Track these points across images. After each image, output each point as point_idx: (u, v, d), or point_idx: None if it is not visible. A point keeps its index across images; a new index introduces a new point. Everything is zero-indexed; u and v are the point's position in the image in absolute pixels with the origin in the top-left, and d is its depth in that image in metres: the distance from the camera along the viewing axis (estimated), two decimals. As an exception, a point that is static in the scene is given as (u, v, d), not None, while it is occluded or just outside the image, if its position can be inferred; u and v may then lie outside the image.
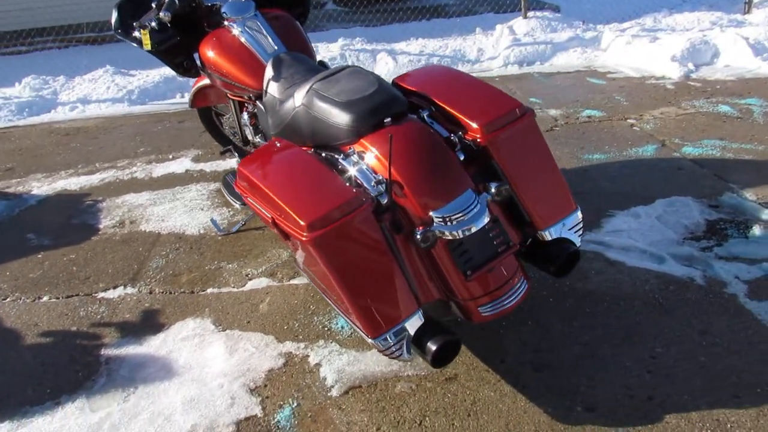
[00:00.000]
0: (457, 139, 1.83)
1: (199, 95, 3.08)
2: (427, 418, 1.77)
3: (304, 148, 1.97)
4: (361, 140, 1.83)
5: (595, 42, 5.72)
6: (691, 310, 2.10)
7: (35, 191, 3.76)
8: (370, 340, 1.63)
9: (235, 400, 1.90)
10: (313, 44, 2.69)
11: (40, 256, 2.93)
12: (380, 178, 1.71)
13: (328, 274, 1.60)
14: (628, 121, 3.88)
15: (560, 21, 6.28)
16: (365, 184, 1.71)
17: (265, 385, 1.95)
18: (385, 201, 1.69)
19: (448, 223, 1.66)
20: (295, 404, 1.87)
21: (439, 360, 1.63)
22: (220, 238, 2.87)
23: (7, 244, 3.08)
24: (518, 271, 1.79)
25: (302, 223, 1.59)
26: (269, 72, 2.37)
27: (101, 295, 2.56)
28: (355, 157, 1.81)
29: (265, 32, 2.52)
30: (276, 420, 1.82)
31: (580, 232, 1.91)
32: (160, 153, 4.19)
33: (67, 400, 1.99)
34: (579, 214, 1.90)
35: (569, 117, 4.05)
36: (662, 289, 2.21)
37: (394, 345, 1.64)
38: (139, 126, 4.91)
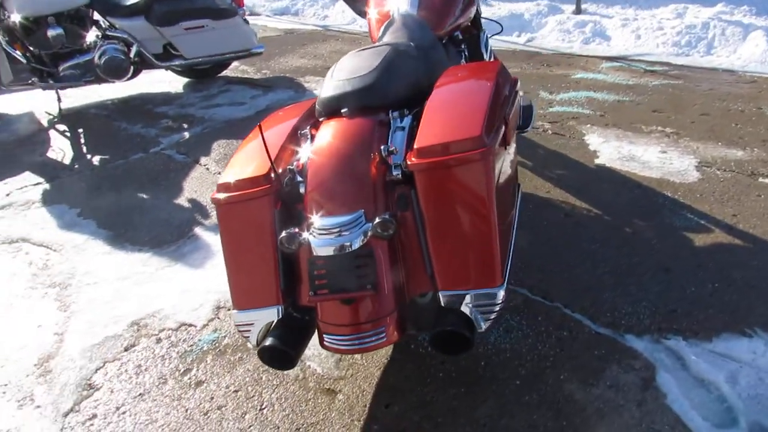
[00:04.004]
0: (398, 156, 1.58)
1: None
2: (267, 409, 1.76)
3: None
4: (321, 122, 1.76)
5: None
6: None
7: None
8: (231, 310, 1.69)
9: (198, 309, 2.20)
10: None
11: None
12: (296, 167, 1.65)
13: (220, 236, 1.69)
14: None
15: None
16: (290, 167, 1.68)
17: (229, 310, 2.19)
18: (302, 191, 1.64)
19: (315, 236, 1.52)
20: (223, 336, 2.06)
21: (263, 357, 1.58)
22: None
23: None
24: (382, 320, 1.52)
25: (218, 182, 1.70)
26: (381, 32, 2.33)
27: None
28: (308, 140, 1.76)
29: (412, -8, 2.42)
30: (199, 338, 2.06)
31: (492, 315, 1.47)
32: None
33: (144, 251, 2.61)
34: (500, 294, 1.46)
35: None
36: (658, 455, 1.52)
37: (244, 325, 1.66)
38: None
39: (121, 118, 4.28)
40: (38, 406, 1.83)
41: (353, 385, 1.80)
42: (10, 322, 2.23)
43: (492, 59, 2.68)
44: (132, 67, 4.48)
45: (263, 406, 1.76)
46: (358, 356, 1.90)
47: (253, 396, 1.80)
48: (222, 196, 1.62)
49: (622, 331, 1.92)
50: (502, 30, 3.15)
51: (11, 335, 2.15)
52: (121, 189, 3.19)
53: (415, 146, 1.50)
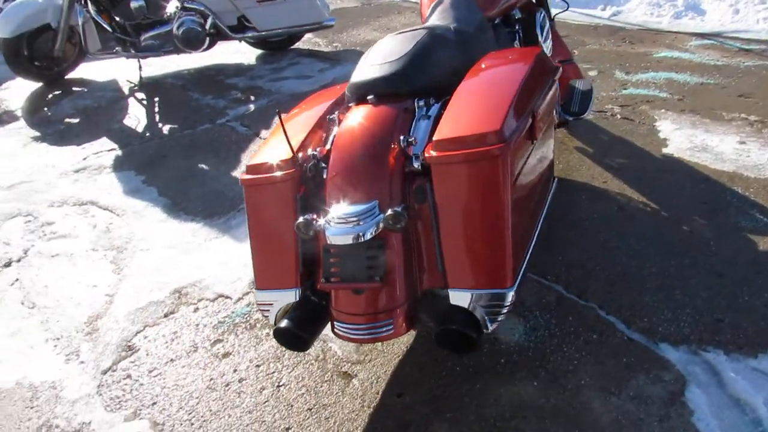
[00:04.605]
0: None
1: None
2: (284, 387, 1.81)
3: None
4: (350, 108, 1.75)
5: None
6: None
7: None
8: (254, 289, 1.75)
9: (235, 282, 2.27)
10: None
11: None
12: (319, 153, 1.65)
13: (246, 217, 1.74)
14: None
15: None
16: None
17: (264, 284, 2.25)
18: (324, 177, 1.65)
19: (330, 225, 1.53)
20: (255, 310, 2.13)
21: (278, 338, 1.62)
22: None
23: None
24: (390, 312, 1.51)
25: (248, 163, 1.74)
26: (429, 13, 2.27)
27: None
28: (335, 125, 1.75)
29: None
30: (233, 310, 2.14)
31: (500, 318, 1.42)
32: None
33: (196, 221, 2.72)
34: (509, 296, 1.41)
35: None
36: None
37: (264, 305, 1.71)
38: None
39: (195, 88, 4.45)
40: (82, 362, 1.98)
41: (369, 371, 1.82)
42: (71, 280, 2.40)
43: (547, 41, 2.54)
44: (208, 39, 4.62)
45: (281, 383, 1.81)
46: (378, 342, 1.90)
47: (273, 372, 1.86)
48: (249, 177, 1.66)
49: (657, 339, 1.81)
50: (567, 8, 2.97)
51: (70, 293, 2.32)
52: (185, 158, 3.33)
53: (434, 138, 1.47)
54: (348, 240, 1.45)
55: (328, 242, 1.49)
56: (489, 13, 2.24)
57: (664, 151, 2.90)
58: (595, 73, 3.99)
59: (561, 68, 1.92)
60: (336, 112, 1.76)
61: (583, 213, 2.46)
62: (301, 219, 1.52)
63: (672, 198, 2.50)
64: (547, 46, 2.52)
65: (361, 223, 1.46)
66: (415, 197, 1.52)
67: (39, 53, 4.51)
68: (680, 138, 2.99)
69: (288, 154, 1.61)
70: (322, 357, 1.89)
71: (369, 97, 1.66)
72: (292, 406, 1.73)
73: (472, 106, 1.52)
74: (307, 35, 5.29)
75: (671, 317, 1.89)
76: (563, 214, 2.44)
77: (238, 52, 5.13)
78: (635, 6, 5.43)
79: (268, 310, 1.68)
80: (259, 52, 5.12)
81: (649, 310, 1.93)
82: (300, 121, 1.81)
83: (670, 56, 4.19)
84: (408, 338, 1.90)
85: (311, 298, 1.64)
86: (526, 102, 1.54)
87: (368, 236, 1.45)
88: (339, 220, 1.47)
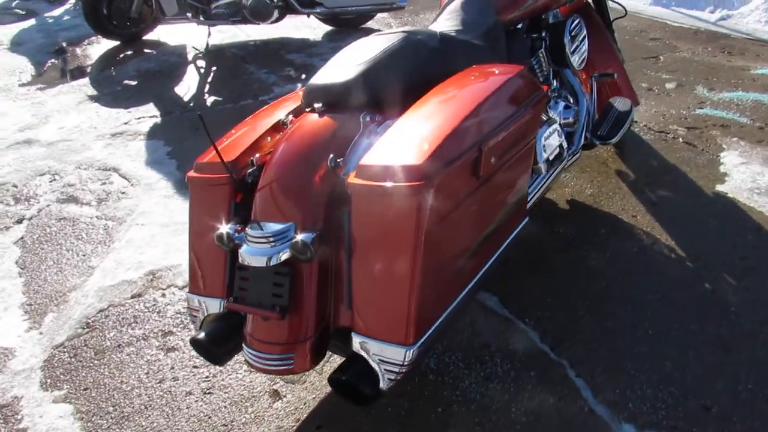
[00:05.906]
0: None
1: None
2: (210, 395, 1.73)
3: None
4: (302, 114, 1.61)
5: None
6: None
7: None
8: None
9: (209, 271, 2.22)
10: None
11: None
12: (257, 159, 1.54)
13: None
14: None
15: None
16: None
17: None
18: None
19: (244, 241, 1.41)
20: (216, 305, 2.07)
21: (194, 347, 1.54)
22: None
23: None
24: (292, 346, 1.38)
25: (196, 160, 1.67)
26: (440, 11, 2.07)
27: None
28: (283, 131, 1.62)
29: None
30: (195, 303, 2.10)
31: (394, 376, 1.25)
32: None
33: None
34: (407, 354, 1.23)
35: None
36: None
37: (192, 309, 1.64)
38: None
39: (253, 61, 4.44)
40: (41, 333, 2.01)
41: (298, 395, 1.70)
42: (67, 246, 2.46)
43: (579, 51, 2.24)
44: (276, 11, 4.58)
45: (209, 390, 1.74)
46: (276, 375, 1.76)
47: (207, 377, 1.79)
48: (193, 175, 1.59)
49: (622, 418, 1.57)
50: (625, 14, 2.63)
51: (60, 258, 2.38)
52: (214, 134, 3.30)
53: (360, 162, 1.30)
54: (256, 261, 1.33)
55: (239, 260, 1.38)
56: (507, 16, 2.00)
57: (719, 188, 2.52)
58: (673, 85, 3.56)
59: (547, 91, 1.66)
60: (290, 117, 1.63)
61: (595, 250, 2.18)
62: (222, 229, 1.42)
63: (706, 247, 2.17)
64: (578, 57, 2.22)
65: (272, 245, 1.33)
66: (339, 224, 1.37)
67: (117, 13, 4.67)
68: (743, 175, 2.59)
69: (228, 157, 1.51)
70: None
71: (316, 105, 1.51)
72: (210, 418, 1.66)
73: (412, 131, 1.34)
74: (381, 15, 5.13)
75: (649, 393, 1.62)
76: (572, 247, 2.19)
77: (308, 27, 5.08)
78: (749, 11, 4.80)
79: (197, 316, 1.61)
80: (328, 28, 5.03)
81: (626, 379, 1.67)
82: (257, 123, 1.71)
83: (770, 74, 3.66)
84: (348, 366, 1.76)
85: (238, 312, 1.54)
86: (475, 132, 1.33)
87: (277, 261, 1.33)
88: (252, 237, 1.36)
